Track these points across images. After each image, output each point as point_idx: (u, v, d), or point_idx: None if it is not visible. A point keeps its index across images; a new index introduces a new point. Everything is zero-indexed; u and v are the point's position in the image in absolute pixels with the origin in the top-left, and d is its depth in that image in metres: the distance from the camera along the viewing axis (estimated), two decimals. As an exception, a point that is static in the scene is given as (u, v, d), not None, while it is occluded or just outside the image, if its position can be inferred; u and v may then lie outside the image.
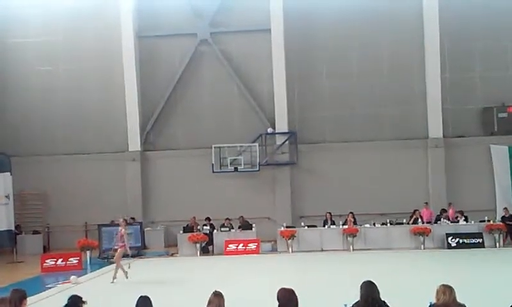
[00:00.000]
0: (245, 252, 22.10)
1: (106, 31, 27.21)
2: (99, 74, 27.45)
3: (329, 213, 23.46)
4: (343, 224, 22.76)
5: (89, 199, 26.63)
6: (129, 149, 27.06)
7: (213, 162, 25.67)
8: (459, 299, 6.91)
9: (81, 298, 7.02)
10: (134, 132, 27.08)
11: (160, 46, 27.44)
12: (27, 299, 6.96)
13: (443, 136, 25.77)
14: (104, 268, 19.95)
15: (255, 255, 21.80)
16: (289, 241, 22.15)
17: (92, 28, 27.36)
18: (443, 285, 6.89)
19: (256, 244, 22.40)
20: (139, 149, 27.09)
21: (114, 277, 16.59)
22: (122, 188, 26.78)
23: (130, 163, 26.96)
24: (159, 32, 27.26)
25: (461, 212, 22.90)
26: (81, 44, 27.46)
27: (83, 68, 27.49)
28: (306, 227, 23.22)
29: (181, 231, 23.37)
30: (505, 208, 23.54)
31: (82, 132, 27.43)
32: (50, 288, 16.05)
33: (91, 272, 19.45)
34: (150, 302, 7.12)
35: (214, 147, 25.70)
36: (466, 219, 22.56)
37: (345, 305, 7.35)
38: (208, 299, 6.98)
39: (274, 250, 22.88)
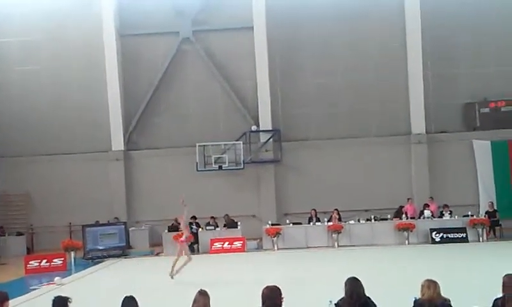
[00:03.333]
0: (230, 250, 22.12)
1: (88, 30, 27.02)
2: (81, 73, 27.25)
3: (314, 210, 23.49)
4: (328, 221, 22.84)
5: (73, 199, 26.49)
6: (112, 149, 26.92)
7: (197, 161, 25.64)
8: (444, 294, 6.96)
9: (67, 297, 6.94)
10: (117, 132, 26.96)
11: (143, 44, 27.32)
12: (9, 301, 6.88)
13: (426, 132, 25.94)
14: (88, 269, 19.88)
15: (241, 253, 21.82)
16: (274, 239, 22.21)
17: (74, 27, 27.16)
18: (428, 280, 6.94)
19: (241, 242, 22.42)
20: (123, 148, 26.97)
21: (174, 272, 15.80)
22: (106, 188, 26.65)
23: (113, 163, 26.83)
24: (141, 30, 27.13)
25: (446, 206, 23.05)
26: (63, 43, 27.26)
27: (65, 68, 27.29)
28: (291, 224, 23.27)
29: (166, 231, 23.31)
30: (490, 202, 23.79)
31: (65, 132, 27.23)
32: (34, 289, 15.93)
33: (75, 272, 19.27)
34: (136, 302, 7.07)
35: (198, 145, 25.66)
36: (451, 213, 22.73)
37: (331, 301, 7.35)
38: (193, 298, 6.97)
39: (259, 248, 22.93)
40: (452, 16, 25.92)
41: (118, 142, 26.96)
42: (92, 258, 22.00)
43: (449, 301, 6.86)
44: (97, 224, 24.18)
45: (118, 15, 27.13)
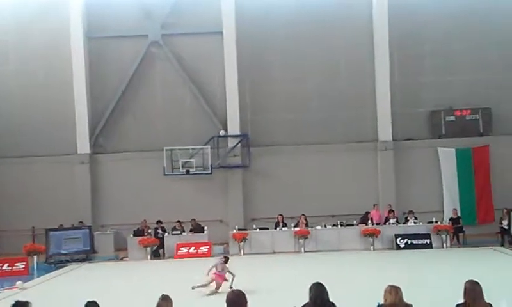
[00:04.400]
0: (196, 255, 21.98)
1: (55, 31, 26.63)
2: (48, 75, 26.83)
3: (281, 215, 23.52)
4: (294, 226, 22.89)
5: (36, 202, 26.02)
6: (78, 152, 26.55)
7: (164, 165, 25.46)
8: (407, 299, 7.02)
9: (27, 302, 6.81)
10: (83, 135, 26.60)
11: (111, 47, 27.04)
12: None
13: (393, 139, 26.17)
14: (51, 273, 19.54)
15: (207, 258, 21.68)
16: (241, 243, 22.18)
17: (41, 28, 26.75)
18: (390, 285, 7.00)
19: (208, 246, 22.32)
20: (89, 151, 26.62)
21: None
22: (71, 191, 26.25)
23: (79, 166, 26.46)
24: (109, 33, 26.86)
25: (412, 212, 23.33)
26: (30, 44, 26.84)
27: (31, 69, 26.87)
28: (258, 229, 23.28)
29: (131, 235, 23.10)
30: (454, 209, 24.13)
31: (30, 134, 26.74)
32: (-6, 294, 15.59)
33: (38, 277, 18.93)
34: (98, 307, 7.02)
35: (166, 149, 25.48)
36: (416, 219, 23.00)
37: (295, 307, 7.36)
38: (156, 303, 6.92)
39: (226, 253, 22.81)
40: (419, 25, 26.27)
41: (83, 146, 26.60)
42: (55, 263, 21.67)
43: (412, 307, 6.92)
44: (61, 228, 23.81)
45: (86, 17, 26.80)
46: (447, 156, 25.89)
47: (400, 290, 6.92)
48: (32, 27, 26.83)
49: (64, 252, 22.57)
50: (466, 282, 6.94)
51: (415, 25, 26.27)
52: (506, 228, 22.36)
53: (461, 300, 6.87)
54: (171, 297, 7.04)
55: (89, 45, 26.90)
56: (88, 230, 23.71)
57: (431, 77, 26.45)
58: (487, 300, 6.84)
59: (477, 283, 6.89)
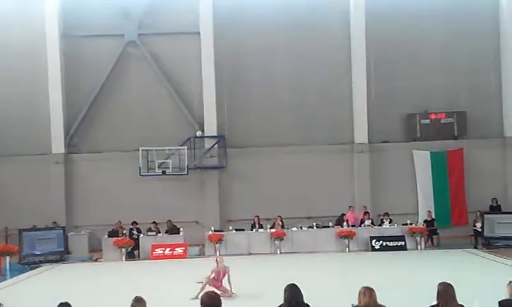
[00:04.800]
0: (172, 256, 21.89)
1: (31, 29, 26.26)
2: (22, 74, 26.41)
3: (257, 217, 23.54)
4: (271, 228, 22.93)
5: (10, 202, 25.59)
6: (52, 152, 26.23)
7: (140, 165, 25.27)
8: (381, 301, 7.06)
9: (-1, 303, 6.73)
10: (58, 134, 26.28)
11: (87, 46, 26.74)
12: None
13: (369, 141, 26.34)
14: (24, 274, 19.29)
15: (182, 259, 21.64)
16: (217, 245, 22.13)
17: (16, 27, 26.36)
18: (364, 287, 7.04)
19: (183, 248, 22.23)
20: (63, 151, 26.31)
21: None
22: (45, 192, 25.90)
23: (53, 166, 26.14)
24: (85, 32, 26.58)
25: (387, 214, 23.52)
26: (4, 43, 26.40)
27: (5, 68, 26.41)
28: (234, 231, 23.24)
29: (106, 236, 22.91)
30: (429, 212, 24.39)
31: (4, 133, 26.32)
32: (-35, 295, 15.33)
33: (10, 278, 18.67)
34: (71, 308, 6.94)
35: (142, 150, 25.29)
36: (391, 221, 23.18)
37: (270, 308, 7.36)
38: (130, 305, 6.87)
39: (201, 254, 22.79)
40: (396, 29, 26.40)
41: (58, 145, 26.27)
42: (28, 263, 21.37)
43: (385, 308, 6.96)
44: (35, 229, 23.50)
45: (61, 15, 26.49)
46: (422, 159, 26.13)
47: (374, 292, 6.97)
48: (7, 26, 26.42)
49: (37, 253, 22.26)
50: (439, 284, 7.01)
51: (392, 29, 26.42)
52: (479, 230, 22.62)
53: (434, 302, 6.93)
54: (144, 298, 7.00)
55: (65, 44, 26.60)
56: (61, 231, 23.41)
57: (406, 81, 26.65)
58: (459, 302, 6.91)
59: (450, 284, 6.96)
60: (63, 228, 23.86)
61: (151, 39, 26.82)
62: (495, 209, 24.41)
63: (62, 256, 22.79)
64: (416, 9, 26.41)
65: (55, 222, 24.61)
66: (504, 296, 6.91)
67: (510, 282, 6.98)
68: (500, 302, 6.91)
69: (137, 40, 26.60)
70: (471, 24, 26.35)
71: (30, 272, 19.97)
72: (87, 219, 25.79)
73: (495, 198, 24.79)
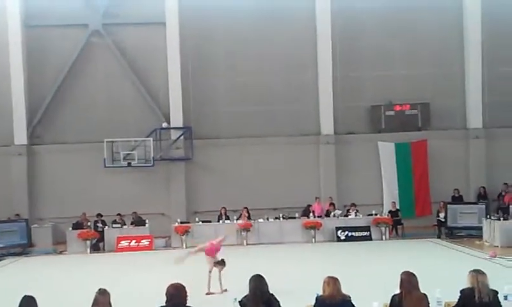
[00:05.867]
0: (138, 248, 21.79)
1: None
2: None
3: (224, 208, 23.57)
4: (237, 219, 22.95)
5: (-30, 195, 25.15)
6: (15, 143, 25.76)
7: (105, 157, 24.98)
8: (345, 290, 7.12)
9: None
10: (20, 125, 25.80)
11: (50, 36, 26.30)
12: None
13: (335, 133, 26.51)
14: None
15: (148, 251, 21.52)
16: (183, 237, 22.09)
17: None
18: (328, 277, 7.09)
19: (149, 240, 22.15)
20: (26, 143, 25.86)
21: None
22: (7, 183, 25.43)
23: (15, 157, 25.67)
24: (48, 21, 26.11)
25: (354, 205, 23.79)
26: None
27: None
28: (200, 222, 23.21)
29: (70, 228, 22.63)
30: (393, 202, 24.68)
31: (-37, 125, 25.83)
32: None
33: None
34: (35, 302, 6.86)
35: (107, 141, 25.01)
36: (356, 212, 23.42)
37: (235, 299, 7.39)
38: (94, 297, 6.81)
39: (168, 246, 22.71)
40: (361, 20, 26.59)
41: (20, 137, 25.80)
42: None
43: (349, 298, 7.02)
44: (-2, 221, 23.13)
45: (24, 4, 25.99)
46: (387, 150, 26.37)
47: (338, 281, 7.02)
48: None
49: (0, 245, 21.92)
50: (402, 273, 7.11)
51: (357, 20, 26.59)
52: (443, 220, 23.02)
53: (398, 291, 7.02)
54: (108, 290, 6.95)
55: (27, 33, 26.09)
56: (24, 223, 23.09)
57: (371, 72, 26.86)
58: (422, 291, 7.02)
59: (413, 274, 7.06)
60: (26, 221, 23.52)
61: (116, 29, 26.49)
62: (457, 200, 24.80)
63: (25, 249, 22.47)
64: (381, 1, 26.62)
65: (18, 215, 24.22)
66: (466, 285, 7.02)
67: (471, 271, 7.09)
68: (461, 291, 7.02)
69: (102, 30, 26.23)
70: (435, 17, 26.65)
71: (-5, 264, 19.66)
72: (51, 212, 25.42)
73: (456, 189, 25.16)
